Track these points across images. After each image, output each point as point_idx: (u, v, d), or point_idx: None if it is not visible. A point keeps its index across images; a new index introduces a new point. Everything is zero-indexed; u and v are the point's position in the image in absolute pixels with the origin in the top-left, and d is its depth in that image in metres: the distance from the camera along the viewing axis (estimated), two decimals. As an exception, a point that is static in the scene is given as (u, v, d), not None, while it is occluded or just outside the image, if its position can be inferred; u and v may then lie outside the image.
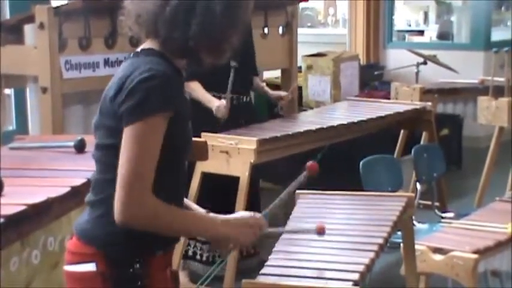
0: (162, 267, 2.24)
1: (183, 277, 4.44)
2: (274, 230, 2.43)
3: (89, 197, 2.25)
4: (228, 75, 4.46)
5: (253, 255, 4.95)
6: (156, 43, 2.16)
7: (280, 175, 5.90)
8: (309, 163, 2.56)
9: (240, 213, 2.28)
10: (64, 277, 2.24)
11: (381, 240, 2.68)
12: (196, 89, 4.58)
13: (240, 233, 2.19)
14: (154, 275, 2.19)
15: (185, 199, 2.36)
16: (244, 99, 4.90)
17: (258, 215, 2.26)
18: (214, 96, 4.62)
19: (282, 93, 5.14)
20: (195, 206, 2.40)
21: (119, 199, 2.04)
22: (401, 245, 3.30)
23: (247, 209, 4.14)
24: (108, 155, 2.16)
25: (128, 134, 2.05)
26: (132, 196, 2.03)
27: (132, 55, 2.19)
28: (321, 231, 2.33)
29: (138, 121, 2.03)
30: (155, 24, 2.12)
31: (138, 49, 2.20)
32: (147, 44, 2.19)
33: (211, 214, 2.24)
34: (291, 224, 2.90)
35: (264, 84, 5.27)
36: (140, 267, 2.15)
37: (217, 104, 4.51)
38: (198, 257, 4.84)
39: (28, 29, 4.61)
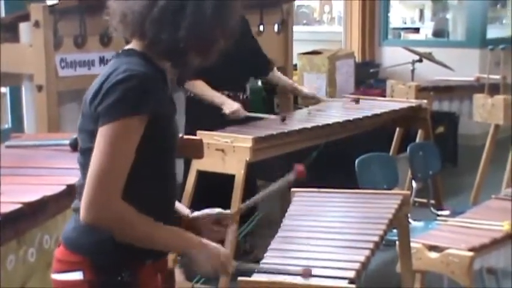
0: (152, 274, 2.20)
1: (178, 275, 4.43)
2: (250, 266, 2.45)
3: (75, 203, 2.20)
4: (231, 72, 4.49)
5: (249, 254, 4.95)
6: (140, 44, 2.13)
7: (276, 173, 5.91)
8: (298, 167, 2.53)
9: (219, 246, 2.21)
10: (52, 285, 2.21)
11: (376, 238, 2.68)
12: (204, 89, 4.62)
13: (207, 259, 2.15)
14: (144, 283, 2.15)
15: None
16: (242, 96, 4.92)
17: (227, 251, 2.24)
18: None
19: (311, 93, 5.25)
20: (182, 208, 2.37)
21: (84, 198, 2.00)
22: (397, 242, 3.31)
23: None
24: (89, 159, 2.09)
25: (100, 135, 2.01)
26: (97, 197, 1.99)
27: (113, 56, 2.17)
28: (306, 275, 2.35)
29: (112, 122, 1.99)
30: (142, 24, 2.08)
31: (120, 50, 2.17)
32: (131, 45, 2.16)
33: (188, 233, 2.17)
34: (286, 222, 2.90)
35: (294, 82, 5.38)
36: (128, 276, 2.12)
37: (233, 109, 4.59)
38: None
39: (23, 27, 4.60)
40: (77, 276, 2.11)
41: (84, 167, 2.13)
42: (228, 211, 2.39)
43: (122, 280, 2.11)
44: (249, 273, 2.40)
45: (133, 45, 2.16)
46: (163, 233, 2.10)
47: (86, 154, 2.12)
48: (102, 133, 2.00)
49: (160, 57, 2.14)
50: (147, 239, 2.08)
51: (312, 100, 5.17)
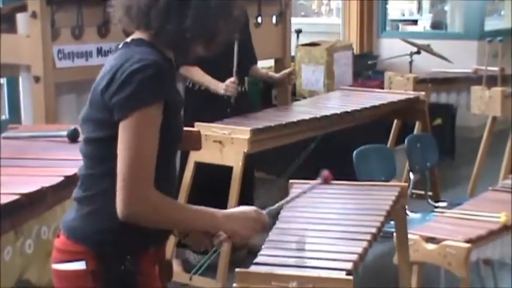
0: (153, 262, 2.23)
1: (176, 266, 4.44)
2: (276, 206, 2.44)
3: (76, 192, 2.20)
4: (227, 60, 4.47)
5: (247, 245, 4.96)
6: (147, 34, 2.14)
7: (274, 165, 5.92)
8: (325, 173, 2.57)
9: (243, 208, 2.26)
10: (53, 276, 2.22)
11: (374, 230, 2.69)
12: (198, 74, 4.60)
13: (241, 228, 2.19)
14: (146, 271, 2.17)
15: None
16: (240, 88, 4.91)
17: (260, 210, 2.26)
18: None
19: (286, 71, 5.17)
20: None
21: (121, 195, 2.00)
22: (394, 234, 3.31)
23: (240, 198, 4.16)
24: (97, 149, 2.13)
25: (124, 127, 2.01)
26: (134, 192, 2.00)
27: (121, 46, 2.17)
28: (327, 180, 2.47)
29: (133, 113, 2.00)
30: (147, 16, 2.09)
31: (128, 39, 2.17)
32: (136, 35, 2.17)
33: (212, 209, 2.20)
34: (284, 214, 2.90)
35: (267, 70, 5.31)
36: (131, 264, 2.13)
37: (225, 84, 4.54)
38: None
39: (20, 18, 4.59)
40: (80, 266, 2.12)
41: (89, 156, 2.16)
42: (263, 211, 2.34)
43: (125, 269, 2.12)
44: (247, 264, 2.40)
45: (141, 35, 2.16)
46: (195, 216, 2.15)
47: (92, 144, 2.14)
48: (126, 125, 2.01)
49: (166, 48, 2.15)
50: (182, 224, 2.16)
51: (286, 82, 5.13)
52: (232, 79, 4.55)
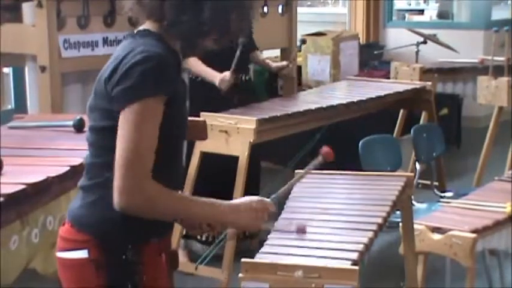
0: (156, 253, 2.23)
1: (182, 257, 4.45)
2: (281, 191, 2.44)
3: (82, 181, 2.21)
4: (228, 52, 4.46)
5: (252, 235, 4.96)
6: (156, 25, 2.13)
7: (280, 155, 5.92)
8: (324, 149, 2.53)
9: (247, 198, 2.25)
10: (57, 264, 2.22)
11: (379, 220, 2.69)
12: (196, 64, 4.60)
13: (246, 218, 2.18)
14: (148, 261, 2.17)
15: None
16: (243, 77, 4.91)
17: (265, 199, 2.25)
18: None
19: (283, 62, 5.16)
20: None
21: (117, 185, 2.00)
22: (400, 224, 3.31)
23: (246, 188, 4.16)
24: (102, 137, 2.13)
25: (124, 117, 2.02)
26: (131, 181, 2.00)
27: (127, 36, 2.17)
28: (328, 156, 2.44)
29: (134, 104, 2.00)
30: (161, 6, 2.09)
31: (135, 30, 2.17)
32: (144, 25, 2.17)
33: (215, 200, 2.19)
34: (290, 204, 2.90)
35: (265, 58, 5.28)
36: (133, 254, 2.13)
37: (221, 76, 4.54)
38: (197, 236, 4.85)
39: (26, 8, 4.59)
40: (82, 254, 2.12)
41: (95, 145, 2.16)
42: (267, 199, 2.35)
43: (126, 259, 2.12)
44: (252, 253, 2.41)
45: (148, 26, 2.16)
46: (196, 208, 2.13)
47: (98, 133, 2.14)
48: (125, 116, 2.01)
49: (175, 39, 2.14)
50: (182, 216, 2.18)
51: (283, 71, 5.13)
52: (227, 75, 4.53)
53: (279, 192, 2.43)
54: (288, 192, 2.60)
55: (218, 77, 4.56)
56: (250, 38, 4.94)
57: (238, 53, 4.49)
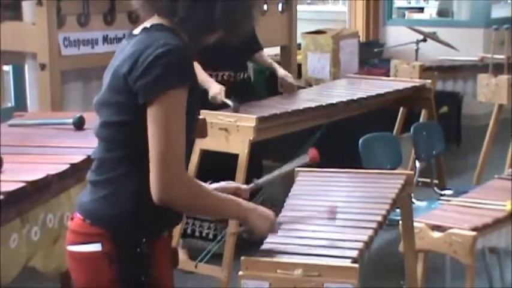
0: (166, 248, 2.26)
1: (182, 255, 4.45)
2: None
3: (92, 176, 2.22)
4: (225, 53, 4.45)
5: (252, 233, 4.96)
6: (167, 21, 2.16)
7: (279, 152, 5.91)
8: (311, 151, 2.57)
9: (264, 208, 2.34)
10: (67, 257, 2.24)
11: (379, 218, 2.68)
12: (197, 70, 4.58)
13: (259, 222, 2.27)
14: (159, 255, 2.20)
15: None
16: (242, 75, 4.90)
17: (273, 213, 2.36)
18: (210, 75, 4.63)
19: (290, 76, 5.12)
20: None
21: (157, 179, 2.03)
22: (400, 222, 3.31)
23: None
24: (117, 132, 2.14)
25: (153, 110, 2.04)
26: (170, 174, 2.03)
27: (139, 31, 2.18)
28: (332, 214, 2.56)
29: (160, 95, 2.03)
30: (173, 3, 2.11)
31: (148, 25, 2.18)
32: (154, 20, 2.18)
33: (237, 198, 2.29)
34: (289, 202, 2.90)
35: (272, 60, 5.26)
36: (147, 248, 2.16)
37: (215, 92, 4.51)
38: (197, 233, 4.85)
39: (26, 6, 4.60)
40: (96, 247, 2.14)
41: (108, 140, 2.17)
42: (245, 186, 2.51)
43: (140, 252, 2.15)
44: (252, 252, 2.41)
45: (159, 20, 2.17)
46: (223, 203, 2.22)
47: (113, 127, 2.15)
48: (154, 109, 2.04)
49: (184, 35, 2.17)
50: (211, 210, 2.24)
51: (287, 83, 5.08)
52: (220, 96, 4.50)
53: (262, 181, 2.59)
54: (270, 182, 2.69)
55: (212, 91, 4.53)
56: (255, 38, 4.94)
57: (231, 104, 4.45)
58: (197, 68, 4.55)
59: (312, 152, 2.54)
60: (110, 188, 2.16)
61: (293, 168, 2.62)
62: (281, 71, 5.09)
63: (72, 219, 2.24)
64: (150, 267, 2.17)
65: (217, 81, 4.67)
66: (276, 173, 2.62)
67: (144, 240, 2.15)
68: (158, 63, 2.03)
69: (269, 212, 2.32)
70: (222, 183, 2.46)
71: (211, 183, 2.42)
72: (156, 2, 2.14)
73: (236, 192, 2.44)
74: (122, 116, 2.11)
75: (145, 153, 2.06)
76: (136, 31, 2.21)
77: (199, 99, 2.25)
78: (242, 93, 4.72)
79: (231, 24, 2.16)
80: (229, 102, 4.42)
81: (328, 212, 2.57)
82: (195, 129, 2.26)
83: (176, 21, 2.13)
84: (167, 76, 2.03)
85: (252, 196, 4.51)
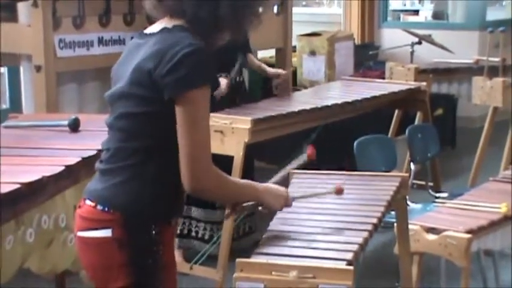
0: (172, 235, 2.38)
1: (177, 256, 4.44)
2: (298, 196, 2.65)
3: (103, 165, 2.29)
4: (227, 55, 4.46)
5: (248, 234, 4.97)
6: (181, 21, 2.23)
7: (274, 155, 5.91)
8: (309, 149, 2.61)
9: (277, 186, 2.47)
10: (77, 243, 2.31)
11: (374, 220, 2.69)
12: None
13: (273, 200, 2.41)
14: (167, 242, 2.29)
15: None
16: (237, 79, 4.90)
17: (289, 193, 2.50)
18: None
19: (280, 70, 5.14)
20: None
21: (189, 170, 2.15)
22: (395, 224, 3.31)
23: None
24: (135, 123, 2.21)
25: (181, 105, 2.13)
26: (199, 165, 2.15)
27: (159, 30, 2.24)
28: (339, 192, 2.63)
29: (189, 92, 2.12)
30: (181, 5, 2.19)
31: (169, 25, 2.24)
32: (166, 21, 2.25)
33: (251, 181, 2.43)
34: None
35: (261, 62, 5.26)
36: (156, 234, 2.23)
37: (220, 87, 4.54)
38: (193, 234, 4.85)
39: (22, 7, 4.59)
40: (106, 233, 2.21)
41: (125, 130, 2.25)
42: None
43: (150, 238, 2.22)
44: (247, 253, 2.41)
45: (174, 22, 2.24)
46: (242, 190, 2.37)
47: (130, 118, 2.23)
48: (183, 105, 2.13)
49: (196, 35, 2.22)
50: (234, 197, 2.37)
51: (278, 79, 5.09)
52: (222, 85, 4.52)
53: (298, 196, 2.66)
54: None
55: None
56: (246, 41, 4.94)
57: (236, 66, 4.49)
58: None
59: (310, 149, 2.59)
60: (124, 176, 2.23)
61: (293, 168, 2.70)
62: (270, 70, 5.10)
63: (80, 206, 2.31)
64: (158, 253, 2.24)
65: None
66: (277, 176, 2.69)
67: (153, 226, 2.22)
68: (186, 61, 2.12)
69: (281, 190, 2.45)
70: None
71: None
72: (167, 3, 2.21)
73: None
74: (143, 108, 2.19)
75: (161, 144, 2.18)
76: (149, 31, 2.29)
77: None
78: (237, 96, 4.72)
79: (236, 22, 2.23)
80: (233, 70, 4.49)
81: (337, 189, 2.65)
82: None
83: (186, 22, 2.21)
84: (196, 74, 2.12)
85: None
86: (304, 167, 2.98)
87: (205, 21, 2.19)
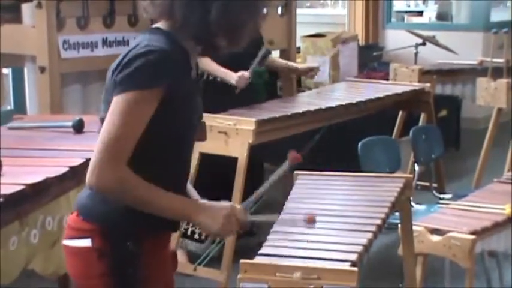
0: (160, 248, 2.26)
1: (181, 257, 4.44)
2: (263, 218, 2.52)
3: None
4: (232, 57, 4.46)
5: (252, 236, 4.96)
6: (168, 24, 2.17)
7: (278, 156, 5.91)
8: (292, 153, 2.50)
9: (220, 202, 2.22)
10: (63, 251, 2.28)
11: (378, 221, 2.69)
12: (209, 63, 4.60)
13: (211, 222, 2.15)
14: (150, 254, 2.20)
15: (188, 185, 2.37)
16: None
17: (237, 207, 2.23)
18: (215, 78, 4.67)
19: (309, 64, 5.19)
20: (193, 194, 2.39)
21: (91, 163, 2.06)
22: (399, 226, 3.31)
23: (249, 190, 4.15)
24: None
25: (113, 103, 2.06)
26: (105, 161, 2.04)
27: (142, 33, 2.20)
28: (310, 221, 2.39)
29: (124, 92, 2.04)
30: (171, 6, 2.12)
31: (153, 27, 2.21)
32: (157, 24, 2.20)
33: (189, 199, 2.23)
34: (289, 205, 2.90)
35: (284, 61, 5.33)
36: (136, 245, 2.16)
37: (238, 75, 4.57)
38: (196, 236, 4.85)
39: (26, 8, 4.59)
40: (86, 243, 2.17)
41: None
42: (239, 205, 2.33)
43: (129, 249, 2.16)
44: (251, 255, 2.40)
45: (161, 24, 2.19)
46: (166, 202, 2.12)
47: None
48: (115, 102, 2.05)
49: (187, 39, 2.16)
50: (148, 203, 2.10)
51: (311, 73, 5.14)
52: (246, 74, 4.57)
53: (250, 200, 2.38)
54: (260, 197, 2.51)
55: (235, 75, 4.59)
56: (260, 42, 4.95)
57: (260, 55, 4.51)
58: (209, 61, 4.59)
59: (291, 155, 2.48)
60: None
61: (277, 177, 2.47)
62: (302, 66, 5.15)
63: (72, 213, 2.28)
64: (138, 265, 2.17)
65: (220, 82, 4.70)
66: (260, 190, 2.43)
67: (133, 237, 2.16)
68: (133, 62, 2.05)
69: (222, 208, 2.18)
70: (214, 203, 2.26)
71: (202, 199, 2.34)
72: (158, 5, 2.15)
73: None
74: None
75: (141, 153, 2.08)
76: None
77: (196, 104, 2.24)
78: (242, 96, 4.72)
79: (229, 27, 2.13)
80: (254, 63, 4.56)
81: (307, 220, 2.46)
82: (191, 136, 2.26)
83: (177, 25, 2.14)
84: (137, 76, 2.04)
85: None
86: (308, 168, 2.98)
87: (195, 25, 2.10)
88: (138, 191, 2.08)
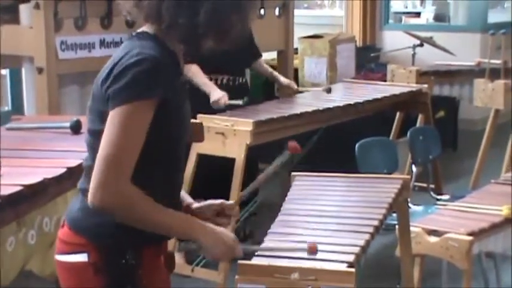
0: (156, 256, 2.21)
1: (178, 259, 4.44)
2: (255, 247, 2.47)
3: (81, 183, 2.19)
4: (223, 58, 4.46)
5: (249, 237, 4.97)
6: (154, 27, 2.12)
7: (276, 157, 5.91)
8: (290, 143, 2.49)
9: (225, 230, 2.20)
10: (56, 266, 2.22)
11: (376, 222, 2.69)
12: (196, 74, 4.59)
13: (213, 246, 2.14)
14: (148, 264, 2.16)
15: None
16: (240, 80, 4.91)
17: (238, 242, 2.21)
18: (210, 79, 4.65)
19: (293, 83, 5.19)
20: (186, 197, 2.36)
21: (93, 181, 1.98)
22: (397, 227, 3.31)
23: (242, 191, 4.16)
24: (98, 140, 2.07)
25: (110, 118, 2.00)
26: (106, 180, 1.97)
27: (127, 39, 2.15)
28: (312, 251, 2.31)
29: (122, 105, 1.98)
30: (158, 9, 2.06)
31: (134, 33, 2.15)
32: (143, 28, 2.15)
33: (194, 219, 2.18)
34: (286, 206, 2.91)
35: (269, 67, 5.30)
36: (132, 258, 2.12)
37: (216, 98, 4.54)
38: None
39: (24, 9, 4.59)
40: (82, 258, 2.11)
41: (92, 148, 2.12)
42: (230, 202, 2.36)
43: (126, 262, 2.11)
44: (250, 256, 2.40)
45: (146, 28, 2.14)
46: (169, 219, 2.08)
47: (95, 135, 2.10)
48: (112, 116, 1.99)
49: (174, 41, 2.13)
50: (157, 226, 2.07)
51: (288, 90, 5.15)
52: (222, 100, 4.53)
53: (250, 248, 2.41)
54: (256, 188, 2.54)
55: (214, 97, 4.56)
56: (253, 44, 4.95)
57: (241, 103, 4.50)
58: (198, 72, 4.59)
59: (291, 145, 2.46)
60: None
61: (276, 167, 2.46)
62: (284, 80, 5.13)
63: (62, 226, 2.21)
64: (136, 278, 2.13)
65: (216, 85, 4.68)
66: (259, 178, 2.47)
67: (129, 250, 2.11)
68: (127, 72, 1.99)
69: (228, 238, 2.17)
70: (208, 201, 2.34)
71: (198, 201, 2.34)
72: (143, 7, 2.09)
73: (222, 206, 2.32)
74: (101, 125, 2.05)
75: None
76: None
77: (188, 108, 2.21)
78: (240, 98, 4.72)
79: (217, 29, 2.09)
80: (237, 102, 4.45)
81: (308, 249, 2.36)
82: (185, 138, 2.22)
83: (164, 27, 2.08)
84: (133, 87, 1.99)
85: (245, 204, 4.52)
86: (306, 169, 2.98)
87: (183, 27, 2.05)
88: (145, 213, 2.03)
